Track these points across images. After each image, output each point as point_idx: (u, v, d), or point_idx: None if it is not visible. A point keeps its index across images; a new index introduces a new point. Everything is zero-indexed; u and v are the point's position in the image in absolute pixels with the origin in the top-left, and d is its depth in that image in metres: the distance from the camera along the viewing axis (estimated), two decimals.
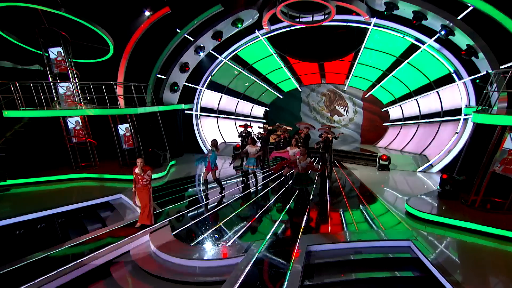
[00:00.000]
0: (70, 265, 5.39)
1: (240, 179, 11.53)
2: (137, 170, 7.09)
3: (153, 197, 9.10)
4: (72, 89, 12.23)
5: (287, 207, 8.38)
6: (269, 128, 14.14)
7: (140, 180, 7.08)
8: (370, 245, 6.57)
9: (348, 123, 18.83)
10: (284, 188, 10.15)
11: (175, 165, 14.14)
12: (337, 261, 6.10)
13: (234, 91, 18.64)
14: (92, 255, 5.76)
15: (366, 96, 17.86)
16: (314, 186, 10.24)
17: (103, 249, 5.96)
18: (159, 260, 5.92)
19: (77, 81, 12.56)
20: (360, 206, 8.69)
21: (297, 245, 6.03)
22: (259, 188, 10.14)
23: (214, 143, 9.60)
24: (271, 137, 14.30)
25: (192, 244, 6.30)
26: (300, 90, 19.42)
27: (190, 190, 10.33)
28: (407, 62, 14.26)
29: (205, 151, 16.86)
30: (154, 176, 11.30)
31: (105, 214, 8.79)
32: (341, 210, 8.46)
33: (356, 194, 9.83)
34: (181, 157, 15.64)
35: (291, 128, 14.05)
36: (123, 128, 12.79)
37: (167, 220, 7.42)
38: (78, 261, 5.53)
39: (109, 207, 9.15)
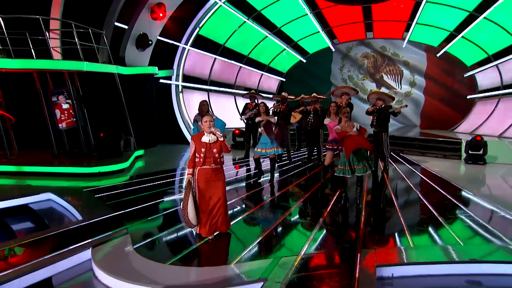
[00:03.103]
0: None
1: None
2: (205, 138, 5.66)
3: (108, 196, 8.58)
4: None
5: (328, 210, 7.94)
6: (289, 98, 13.19)
7: (215, 155, 5.69)
8: (494, 271, 5.45)
9: (402, 100, 18.61)
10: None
11: (143, 157, 14.16)
12: None
13: (233, 52, 18.45)
14: None
15: (438, 55, 17.45)
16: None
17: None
18: None
19: None
20: (454, 210, 7.98)
21: (357, 266, 5.04)
22: (275, 190, 9.71)
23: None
24: (293, 114, 13.47)
25: (168, 263, 5.34)
26: (333, 50, 19.23)
27: (168, 187, 10.11)
28: None
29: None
30: (109, 168, 11.22)
31: (19, 226, 8.15)
32: (420, 215, 7.92)
33: (442, 195, 9.17)
34: (153, 148, 15.50)
35: (324, 97, 12.88)
36: (59, 98, 12.31)
37: (125, 227, 6.58)
38: None
39: (28, 213, 8.41)
